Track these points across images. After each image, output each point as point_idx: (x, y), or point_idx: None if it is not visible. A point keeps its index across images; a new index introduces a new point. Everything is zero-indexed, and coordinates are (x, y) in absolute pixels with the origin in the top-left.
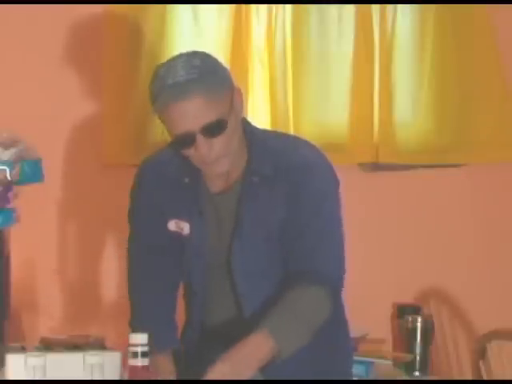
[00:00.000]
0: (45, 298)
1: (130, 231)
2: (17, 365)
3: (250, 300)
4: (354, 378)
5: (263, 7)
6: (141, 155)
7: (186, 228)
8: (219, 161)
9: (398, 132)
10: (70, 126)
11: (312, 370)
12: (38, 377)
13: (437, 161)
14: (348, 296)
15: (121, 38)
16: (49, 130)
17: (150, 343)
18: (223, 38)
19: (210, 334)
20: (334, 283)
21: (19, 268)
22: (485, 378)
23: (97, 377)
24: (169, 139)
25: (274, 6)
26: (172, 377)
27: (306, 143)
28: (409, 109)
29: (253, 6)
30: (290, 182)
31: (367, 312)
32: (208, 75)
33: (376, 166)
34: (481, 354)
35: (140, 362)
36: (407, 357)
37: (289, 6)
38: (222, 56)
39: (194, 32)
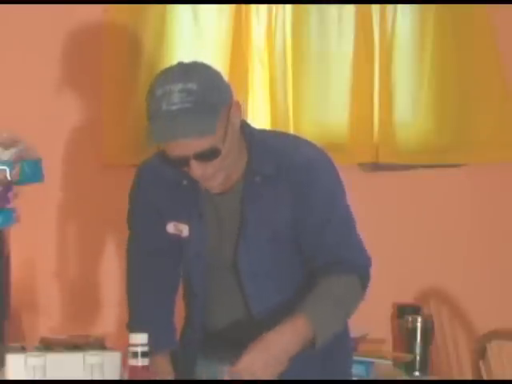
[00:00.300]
0: (45, 298)
1: (129, 232)
2: (17, 365)
3: (257, 300)
4: (354, 378)
5: (263, 7)
6: (141, 155)
7: (185, 230)
8: (215, 175)
9: (398, 132)
10: (70, 127)
11: (312, 370)
12: (38, 377)
13: (437, 161)
14: None
15: (121, 39)
16: (49, 130)
17: (148, 344)
18: (223, 37)
19: (212, 334)
20: (363, 272)
21: (19, 268)
22: (485, 377)
23: (97, 377)
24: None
25: (273, 6)
26: (170, 378)
27: (306, 142)
28: (409, 109)
29: (253, 6)
30: (294, 181)
31: (367, 312)
32: (203, 104)
33: (376, 166)
34: (481, 354)
35: (140, 362)
36: (407, 357)
37: (289, 6)
38: (221, 56)
39: (193, 32)
